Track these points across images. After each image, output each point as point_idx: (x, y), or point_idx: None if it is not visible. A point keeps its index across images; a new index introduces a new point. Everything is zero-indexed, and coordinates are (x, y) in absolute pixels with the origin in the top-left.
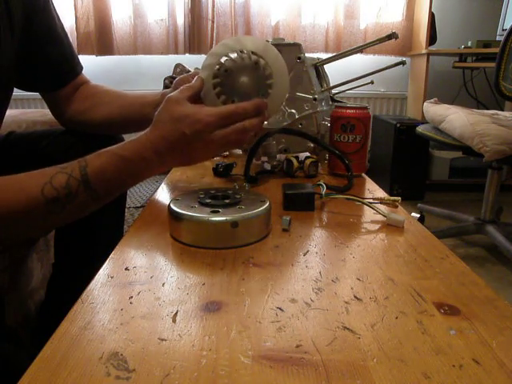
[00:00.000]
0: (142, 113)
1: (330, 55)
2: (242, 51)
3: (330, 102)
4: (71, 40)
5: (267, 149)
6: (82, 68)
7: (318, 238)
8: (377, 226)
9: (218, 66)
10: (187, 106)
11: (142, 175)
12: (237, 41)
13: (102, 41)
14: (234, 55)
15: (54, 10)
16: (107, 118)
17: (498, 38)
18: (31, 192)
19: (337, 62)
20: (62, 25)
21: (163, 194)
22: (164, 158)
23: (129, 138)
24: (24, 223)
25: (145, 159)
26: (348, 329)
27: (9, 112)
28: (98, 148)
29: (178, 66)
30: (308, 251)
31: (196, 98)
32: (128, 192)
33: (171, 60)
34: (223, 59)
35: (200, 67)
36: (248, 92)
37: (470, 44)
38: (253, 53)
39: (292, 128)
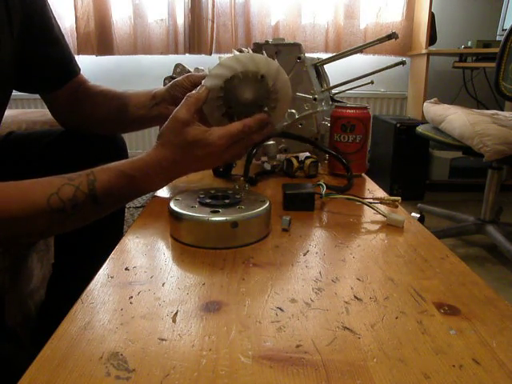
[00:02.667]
0: (136, 114)
1: (330, 55)
2: (254, 73)
3: (330, 102)
4: (71, 40)
5: (267, 149)
6: (79, 69)
7: (317, 238)
8: (377, 226)
9: (226, 81)
10: (197, 129)
11: (147, 191)
12: (251, 59)
13: (102, 41)
14: (245, 72)
15: (51, 11)
16: (104, 118)
17: (498, 38)
18: (37, 201)
19: (337, 61)
20: (59, 26)
21: (163, 194)
22: (170, 176)
23: (128, 137)
24: (27, 230)
25: (152, 179)
26: (348, 329)
27: (9, 112)
28: (98, 148)
29: (177, 66)
30: (308, 251)
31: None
32: None
33: (171, 60)
34: (233, 74)
35: (200, 67)
36: (251, 110)
37: (470, 44)
38: (263, 75)
39: (290, 132)
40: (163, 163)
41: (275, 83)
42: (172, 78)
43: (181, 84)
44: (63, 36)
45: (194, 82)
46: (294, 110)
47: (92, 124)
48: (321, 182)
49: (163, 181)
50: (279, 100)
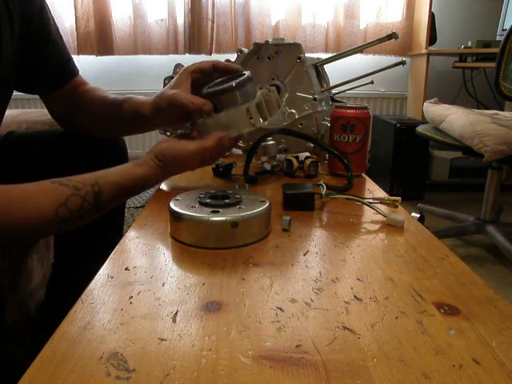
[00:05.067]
0: (132, 122)
1: (330, 55)
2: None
3: (330, 102)
4: (71, 40)
5: (267, 149)
6: (78, 70)
7: (318, 238)
8: (377, 226)
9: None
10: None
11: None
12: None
13: (102, 41)
14: None
15: (49, 11)
16: (101, 123)
17: (498, 38)
18: (46, 213)
19: (337, 61)
20: (57, 27)
21: (163, 194)
22: (167, 177)
23: (128, 136)
24: (36, 236)
25: (147, 187)
26: (348, 329)
27: (9, 112)
28: (97, 148)
29: (177, 66)
30: (308, 251)
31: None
32: None
33: (171, 60)
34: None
35: None
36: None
37: (470, 44)
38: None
39: (291, 129)
40: (157, 177)
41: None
42: (172, 78)
43: (158, 104)
44: (61, 37)
45: (171, 101)
46: (294, 110)
47: (90, 126)
48: (321, 182)
49: (159, 182)
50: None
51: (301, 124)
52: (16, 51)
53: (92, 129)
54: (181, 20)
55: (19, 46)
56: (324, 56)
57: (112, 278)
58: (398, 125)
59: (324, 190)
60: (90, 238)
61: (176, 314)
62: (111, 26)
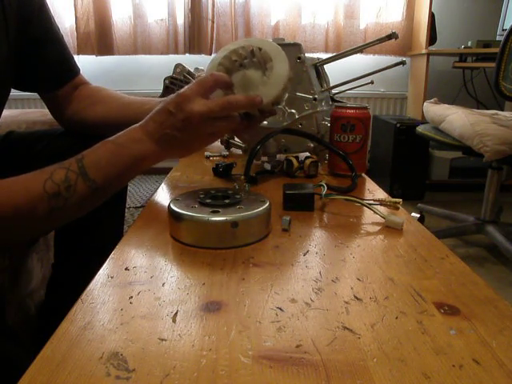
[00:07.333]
0: (136, 119)
1: (330, 55)
2: (238, 48)
3: (330, 102)
4: (71, 40)
5: (267, 149)
6: (79, 69)
7: (318, 238)
8: (377, 227)
9: (219, 62)
10: (180, 94)
11: (138, 162)
12: (231, 44)
13: (102, 41)
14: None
15: (49, 11)
16: (104, 116)
17: (498, 38)
18: (34, 190)
19: (337, 61)
20: (58, 26)
21: (163, 194)
22: (155, 138)
23: None
24: (29, 222)
25: (136, 141)
26: (348, 329)
27: (9, 112)
28: None
29: (177, 66)
30: (308, 251)
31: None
32: (128, 192)
33: (171, 60)
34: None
35: (200, 67)
36: (249, 82)
37: (470, 44)
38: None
39: (296, 129)
40: (143, 123)
41: (262, 46)
42: (172, 77)
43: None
44: (62, 36)
45: None
46: (294, 110)
47: (91, 123)
48: (322, 183)
49: (150, 145)
50: (273, 60)
51: (301, 124)
52: (12, 52)
53: (95, 126)
54: (181, 20)
55: (17, 46)
56: (324, 56)
57: (112, 278)
58: (398, 125)
59: (324, 191)
60: (90, 238)
61: (176, 314)
62: (111, 26)
